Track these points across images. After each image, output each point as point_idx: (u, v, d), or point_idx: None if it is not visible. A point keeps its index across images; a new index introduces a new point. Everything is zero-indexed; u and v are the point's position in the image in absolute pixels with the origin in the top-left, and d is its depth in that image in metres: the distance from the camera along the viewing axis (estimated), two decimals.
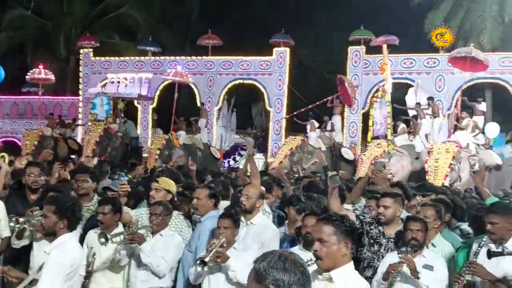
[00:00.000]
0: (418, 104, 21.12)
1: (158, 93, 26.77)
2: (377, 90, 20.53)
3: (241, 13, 33.92)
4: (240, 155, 24.02)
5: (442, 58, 22.84)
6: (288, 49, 25.49)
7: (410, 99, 22.24)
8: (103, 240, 6.33)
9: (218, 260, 5.68)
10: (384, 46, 19.44)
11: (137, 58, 27.62)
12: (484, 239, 5.75)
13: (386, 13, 29.64)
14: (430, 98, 21.10)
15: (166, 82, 25.87)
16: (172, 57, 27.02)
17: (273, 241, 6.57)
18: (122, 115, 24.75)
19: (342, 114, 23.89)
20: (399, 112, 21.24)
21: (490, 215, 5.74)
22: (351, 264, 4.09)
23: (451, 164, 17.27)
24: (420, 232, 5.97)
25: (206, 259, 5.44)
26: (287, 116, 24.44)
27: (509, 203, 6.88)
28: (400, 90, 23.15)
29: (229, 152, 23.95)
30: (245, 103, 29.48)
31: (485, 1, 25.95)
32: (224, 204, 7.52)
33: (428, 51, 23.72)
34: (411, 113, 21.62)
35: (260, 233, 6.52)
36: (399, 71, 22.89)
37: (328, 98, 23.31)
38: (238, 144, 25.59)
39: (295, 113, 24.01)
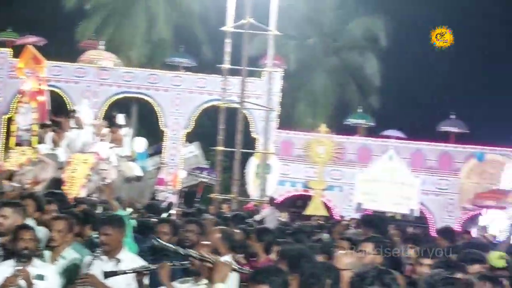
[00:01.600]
0: (64, 116, 20.86)
1: None
2: (23, 95, 19.92)
3: None
4: None
5: (91, 69, 23.02)
6: None
7: (84, 113, 21.71)
8: None
9: None
10: (30, 47, 19.03)
11: None
12: (98, 250, 5.98)
13: (40, 15, 28.89)
14: (73, 111, 21.00)
15: None
16: None
17: None
18: None
19: None
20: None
21: (104, 226, 6.03)
22: None
23: (89, 175, 17.44)
24: (32, 241, 5.94)
25: None
26: None
27: (122, 215, 7.28)
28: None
29: None
30: None
31: (135, 18, 26.72)
32: None
33: (75, 59, 23.68)
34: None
35: None
36: (46, 78, 22.40)
37: None
38: None
39: None
